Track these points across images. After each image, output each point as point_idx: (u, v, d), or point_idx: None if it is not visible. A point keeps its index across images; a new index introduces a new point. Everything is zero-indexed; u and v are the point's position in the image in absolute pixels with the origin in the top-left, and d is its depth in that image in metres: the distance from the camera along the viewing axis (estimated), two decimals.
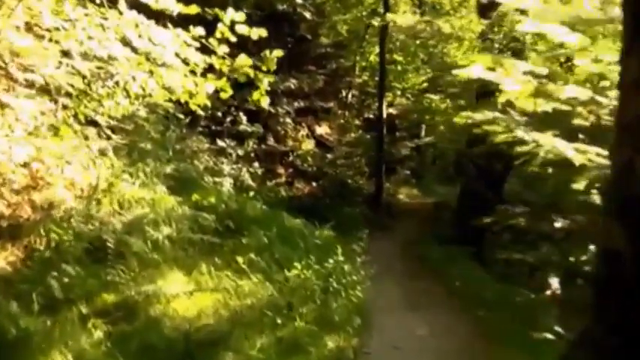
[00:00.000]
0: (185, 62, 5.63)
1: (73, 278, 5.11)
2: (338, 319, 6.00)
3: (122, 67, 5.78)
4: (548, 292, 8.40)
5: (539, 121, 6.43)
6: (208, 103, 5.91)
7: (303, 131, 17.62)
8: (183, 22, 5.56)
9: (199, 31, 5.35)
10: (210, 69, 5.71)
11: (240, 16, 5.19)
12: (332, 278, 6.54)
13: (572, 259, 7.24)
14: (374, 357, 5.68)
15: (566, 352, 2.86)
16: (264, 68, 5.49)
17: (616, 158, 2.59)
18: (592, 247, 6.50)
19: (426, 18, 17.00)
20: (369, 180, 17.61)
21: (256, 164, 13.78)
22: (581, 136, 6.27)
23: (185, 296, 5.57)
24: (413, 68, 20.67)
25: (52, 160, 5.94)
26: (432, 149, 23.58)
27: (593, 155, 5.50)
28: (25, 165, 5.53)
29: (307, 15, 16.15)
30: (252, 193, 10.13)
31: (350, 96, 20.51)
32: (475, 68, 6.41)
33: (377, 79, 18.00)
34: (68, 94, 6.16)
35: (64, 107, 6.26)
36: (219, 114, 12.71)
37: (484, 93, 15.87)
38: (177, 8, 5.29)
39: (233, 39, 5.28)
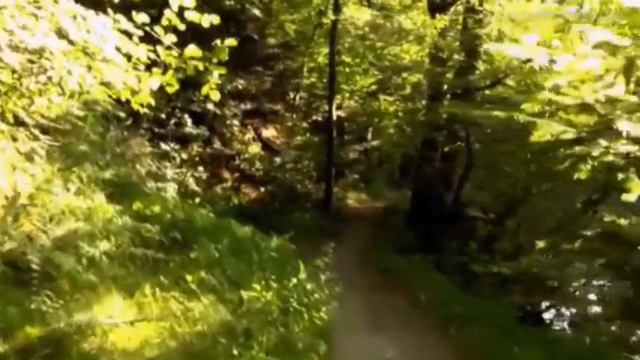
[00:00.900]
0: (127, 56, 4.89)
1: None
2: (301, 345, 5.34)
3: (57, 61, 4.99)
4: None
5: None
6: (152, 102, 5.19)
7: (250, 134, 17.24)
8: (126, 9, 4.83)
9: (143, 17, 4.62)
10: (154, 64, 5.00)
11: (190, 0, 4.51)
12: (293, 298, 5.86)
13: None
14: None
15: None
16: (214, 59, 4.82)
17: None
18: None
19: (385, 13, 16.78)
20: (317, 184, 17.33)
21: (201, 168, 13.50)
22: None
23: (125, 325, 4.79)
24: (362, 70, 20.31)
25: None
26: (378, 152, 23.50)
27: None
28: None
29: (257, 12, 15.55)
30: (198, 200, 9.50)
31: (298, 98, 20.04)
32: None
33: (325, 80, 17.75)
34: None
35: None
36: (163, 115, 12.30)
37: (435, 95, 15.76)
38: None
39: (182, 27, 4.59)
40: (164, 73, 5.01)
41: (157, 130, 12.28)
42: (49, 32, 4.78)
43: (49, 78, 5.29)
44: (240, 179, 15.79)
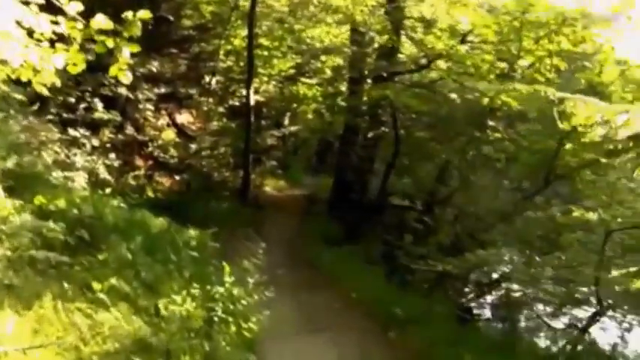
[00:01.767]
0: (28, 30, 4.14)
1: None
2: None
3: None
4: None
5: None
6: (58, 82, 4.47)
7: (164, 119, 16.51)
8: None
9: None
10: (60, 39, 4.27)
11: None
12: (218, 307, 5.26)
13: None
14: None
15: None
16: (125, 34, 4.15)
17: None
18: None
19: None
20: (234, 171, 16.88)
21: (113, 156, 12.71)
22: None
23: (18, 352, 4.00)
24: (280, 53, 19.75)
25: None
26: (294, 138, 23.16)
27: None
28: None
29: None
30: (109, 190, 8.78)
31: (214, 82, 19.23)
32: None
33: (242, 64, 17.24)
34: None
35: None
36: (72, 99, 11.57)
37: (357, 79, 15.43)
38: None
39: None
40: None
41: (65, 115, 11.56)
42: None
43: None
44: (154, 167, 15.10)
